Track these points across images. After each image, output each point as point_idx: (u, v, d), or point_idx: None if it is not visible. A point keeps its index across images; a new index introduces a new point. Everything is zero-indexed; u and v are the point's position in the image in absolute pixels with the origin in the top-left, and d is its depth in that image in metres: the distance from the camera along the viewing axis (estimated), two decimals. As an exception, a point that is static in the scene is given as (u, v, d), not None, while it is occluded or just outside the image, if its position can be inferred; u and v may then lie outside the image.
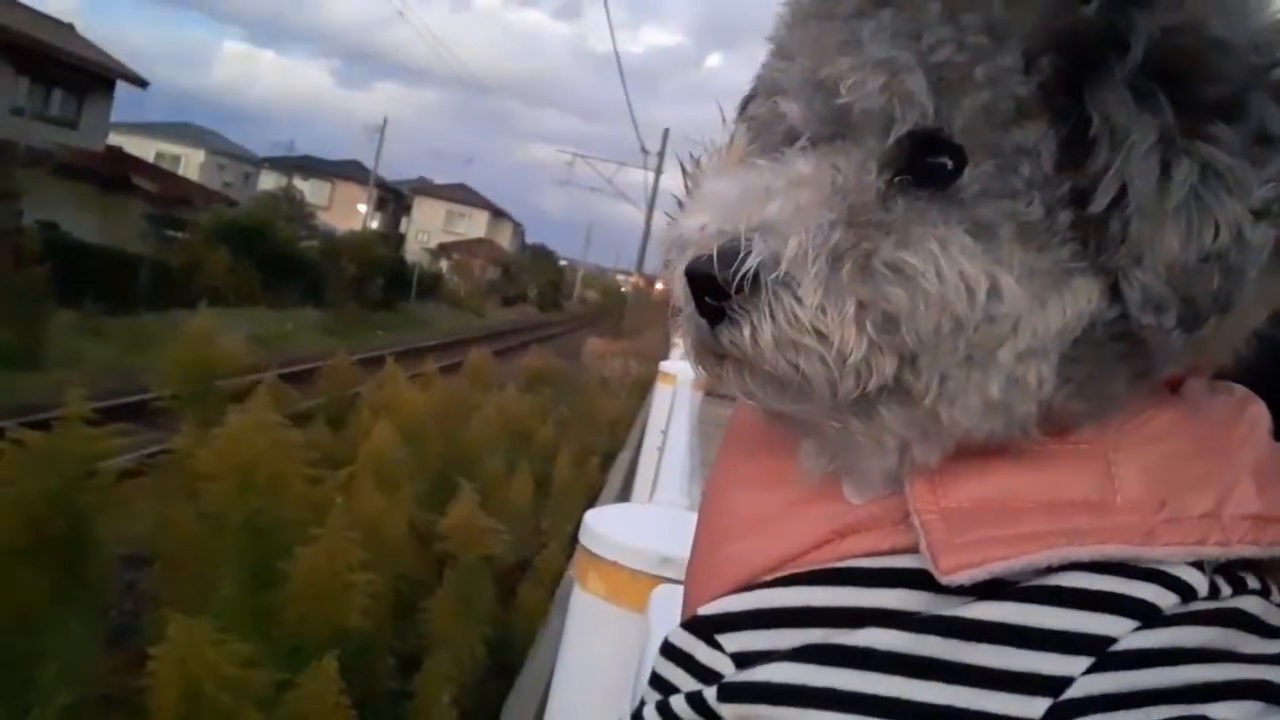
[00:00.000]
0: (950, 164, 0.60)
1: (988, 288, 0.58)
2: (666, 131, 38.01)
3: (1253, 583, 0.62)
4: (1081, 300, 0.59)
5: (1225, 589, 0.61)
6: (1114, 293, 0.59)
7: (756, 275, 0.59)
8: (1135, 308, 0.58)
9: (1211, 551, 0.60)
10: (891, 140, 0.61)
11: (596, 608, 1.64)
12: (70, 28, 30.47)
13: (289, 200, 41.34)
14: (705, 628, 0.69)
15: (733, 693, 0.65)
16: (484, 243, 66.23)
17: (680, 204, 0.74)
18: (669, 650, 0.72)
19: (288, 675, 4.33)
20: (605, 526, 1.65)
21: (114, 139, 33.22)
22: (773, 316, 0.59)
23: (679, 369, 5.20)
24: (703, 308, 0.62)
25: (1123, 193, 0.57)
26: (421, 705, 5.22)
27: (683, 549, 1.57)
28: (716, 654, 0.68)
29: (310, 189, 53.45)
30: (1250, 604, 0.61)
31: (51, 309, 15.23)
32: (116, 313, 18.58)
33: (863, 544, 0.65)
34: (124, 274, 20.85)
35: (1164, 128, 0.56)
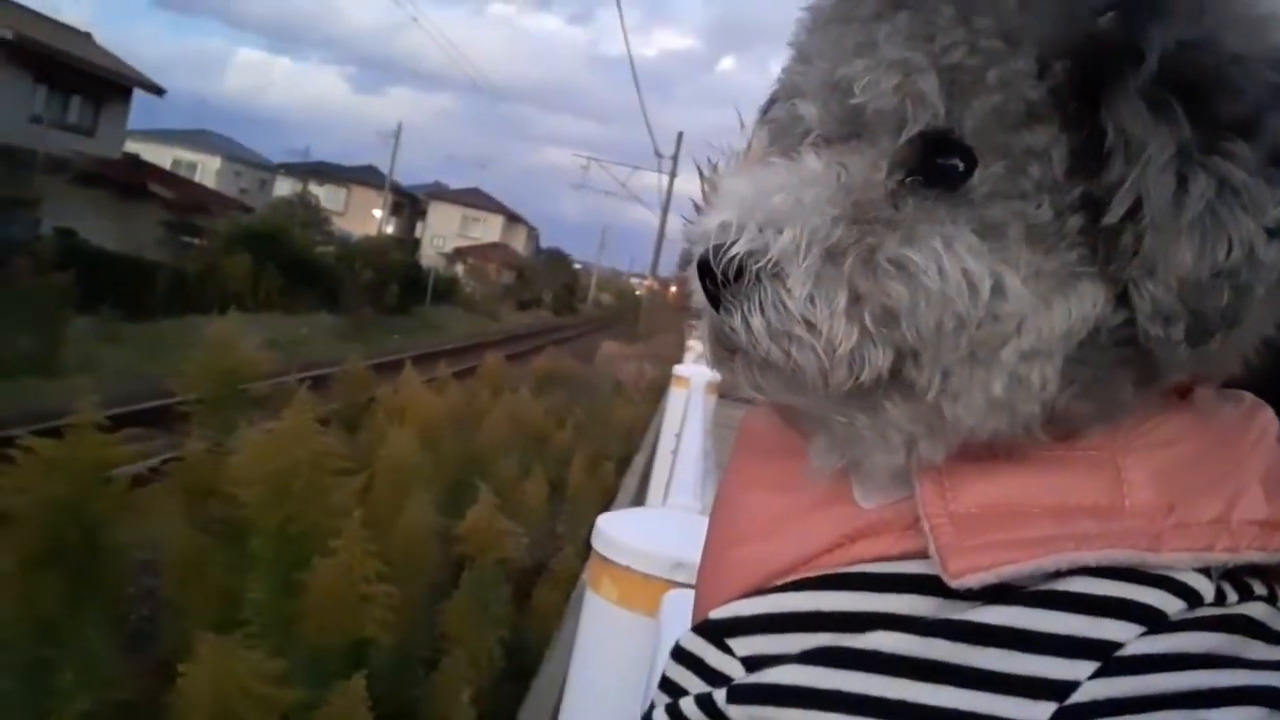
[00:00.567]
0: (961, 165, 0.61)
1: (992, 286, 0.59)
2: (680, 135, 38.08)
3: (1259, 589, 0.62)
4: (1087, 304, 0.59)
5: (1232, 595, 0.61)
6: (1120, 299, 0.59)
7: (745, 264, 0.61)
8: (1144, 318, 0.58)
9: (1219, 557, 0.60)
10: (903, 140, 0.62)
11: (609, 612, 1.63)
12: (88, 36, 30.72)
13: (305, 206, 41.55)
14: (716, 631, 0.69)
15: (742, 694, 0.65)
16: (499, 247, 66.39)
17: (698, 206, 0.75)
18: (679, 654, 0.72)
19: (312, 691, 4.32)
20: (618, 530, 1.64)
21: (131, 146, 33.45)
22: (761, 306, 0.61)
23: (693, 372, 5.21)
24: (707, 296, 0.64)
25: (1137, 204, 0.57)
26: (439, 707, 5.22)
27: (695, 553, 1.57)
28: (726, 657, 0.68)
29: (326, 195, 53.64)
30: (1257, 610, 0.61)
31: (69, 315, 15.35)
32: (134, 319, 18.70)
33: (872, 548, 0.65)
34: (141, 280, 21.00)
35: (1181, 142, 0.56)
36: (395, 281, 33.77)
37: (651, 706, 0.73)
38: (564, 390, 16.10)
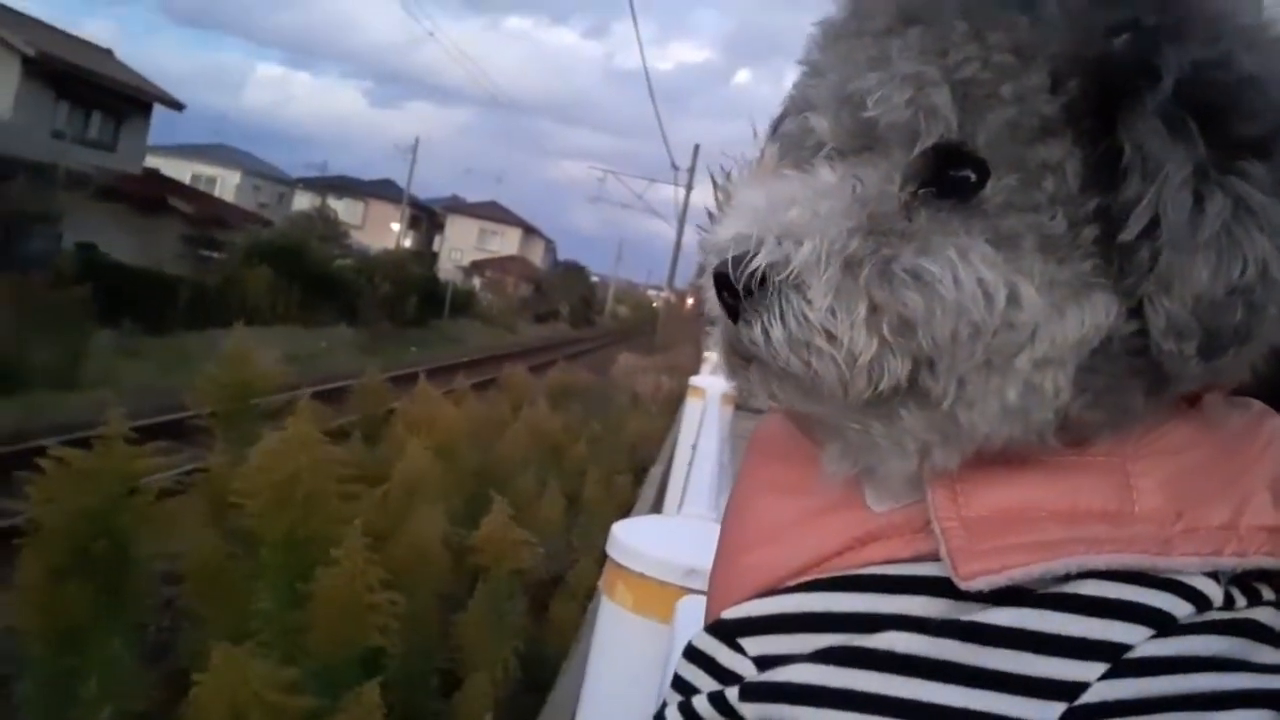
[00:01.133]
0: (973, 177, 0.62)
1: (1007, 295, 0.60)
2: (697, 148, 38.04)
3: (1267, 594, 0.63)
4: (1100, 314, 0.60)
5: (1240, 599, 0.62)
6: (1133, 310, 0.60)
7: (767, 276, 0.62)
8: (1158, 333, 0.59)
9: (1227, 562, 0.61)
10: (916, 153, 0.63)
11: (624, 618, 1.64)
12: (108, 53, 30.94)
13: (323, 220, 41.56)
14: (728, 631, 0.70)
15: (754, 693, 0.66)
16: (516, 260, 66.32)
17: (712, 216, 0.78)
18: (692, 653, 0.73)
19: (324, 699, 4.34)
20: (633, 538, 1.66)
21: (151, 161, 33.65)
22: (782, 317, 0.62)
23: (709, 384, 5.22)
24: (725, 307, 0.65)
25: (1153, 221, 0.58)
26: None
27: (709, 560, 1.59)
28: (738, 657, 0.69)
29: (344, 208, 53.68)
30: (1264, 615, 0.62)
31: (91, 329, 15.42)
32: (154, 332, 18.80)
33: (884, 551, 0.66)
34: (161, 294, 21.08)
35: (1197, 161, 0.57)
36: (413, 295, 33.72)
37: (663, 705, 0.74)
38: (581, 402, 16.07)
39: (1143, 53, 0.59)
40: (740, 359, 0.67)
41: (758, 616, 0.69)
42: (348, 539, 4.81)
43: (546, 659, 6.58)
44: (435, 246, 64.93)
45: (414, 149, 54.70)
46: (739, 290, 0.63)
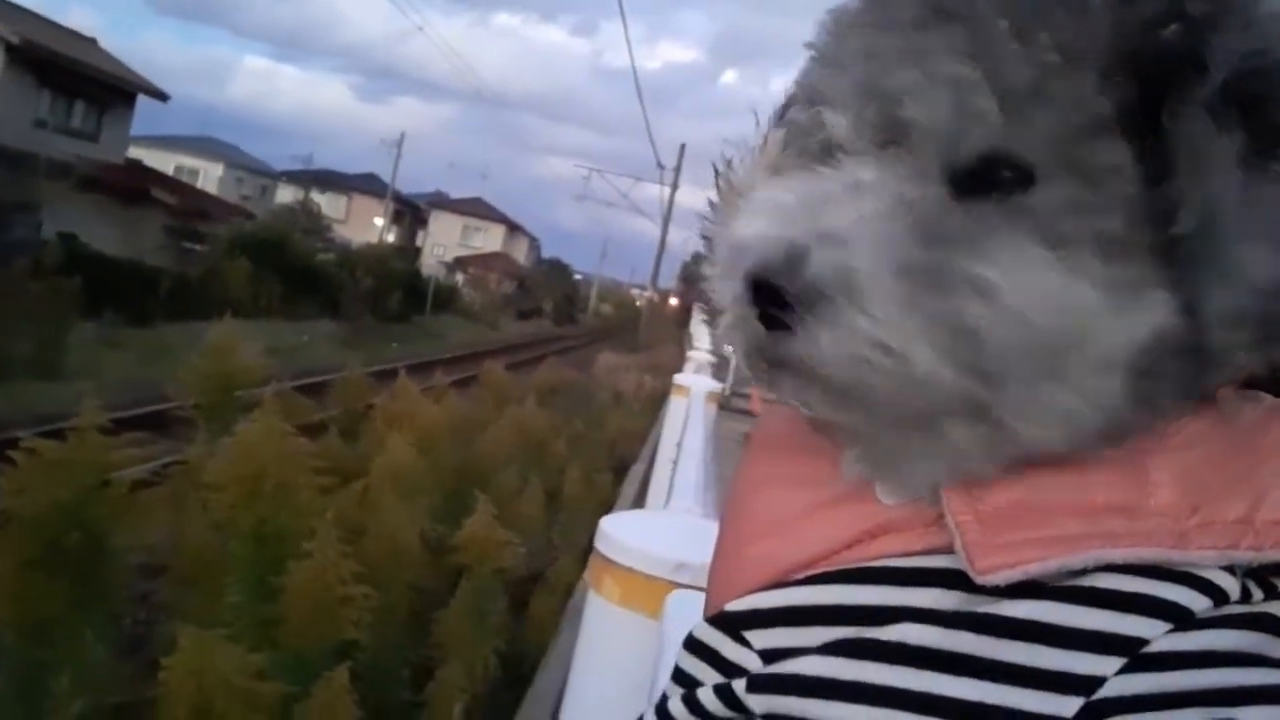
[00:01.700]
0: (1015, 176, 0.60)
1: (1064, 301, 0.58)
2: (683, 147, 38.16)
3: None
4: (1159, 313, 0.59)
5: (1257, 593, 0.60)
6: (1185, 307, 0.59)
7: (818, 283, 0.59)
8: (1214, 325, 0.58)
9: (1244, 555, 0.59)
10: (961, 157, 0.61)
11: (611, 612, 1.63)
12: (93, 42, 30.79)
13: (306, 213, 41.58)
14: (732, 623, 0.69)
15: (762, 684, 0.65)
16: (500, 256, 66.37)
17: (714, 206, 0.74)
18: (693, 645, 0.71)
19: (295, 687, 4.32)
20: (621, 531, 1.65)
21: (134, 152, 33.45)
22: (838, 329, 0.59)
23: (693, 382, 5.22)
24: (764, 316, 0.61)
25: (1204, 213, 0.57)
26: (434, 716, 5.22)
27: (698, 555, 1.59)
28: (743, 650, 0.67)
29: (327, 202, 53.73)
30: (1278, 608, 0.61)
31: (71, 320, 15.34)
32: (135, 324, 18.73)
33: (896, 544, 0.65)
34: (143, 286, 21.00)
35: (1247, 150, 0.56)
36: (396, 290, 33.77)
37: (664, 698, 0.72)
38: (563, 400, 16.09)
39: (1190, 44, 0.57)
40: (768, 363, 0.63)
41: (765, 609, 0.67)
42: (320, 532, 4.78)
43: (525, 655, 6.55)
44: (419, 242, 65.21)
45: (399, 143, 54.70)
46: (793, 300, 0.59)
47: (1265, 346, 0.59)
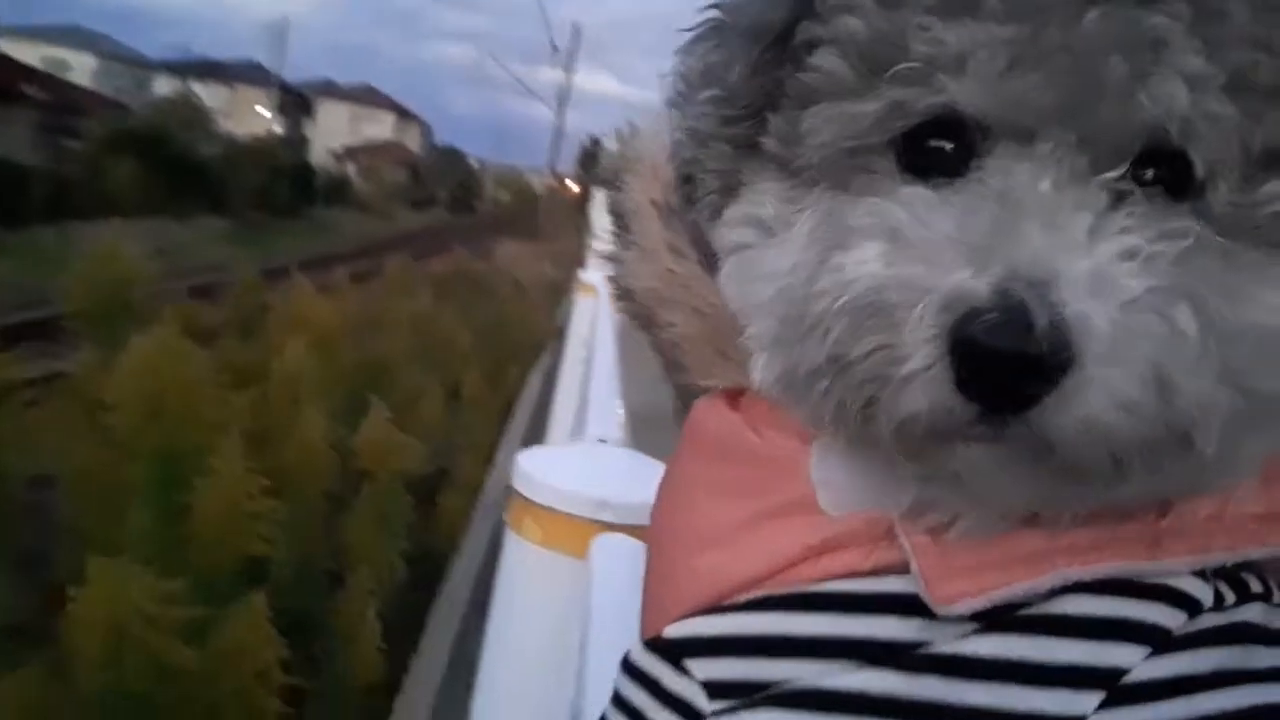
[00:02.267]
0: (1184, 177, 0.52)
1: None
2: (578, 28, 37.32)
3: (1255, 585, 0.58)
4: None
5: (1228, 594, 0.57)
6: None
7: (1067, 345, 0.47)
8: None
9: (1218, 558, 0.56)
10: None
11: (532, 554, 1.59)
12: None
13: (187, 106, 39.97)
14: (672, 650, 0.63)
15: None
16: (391, 145, 65.15)
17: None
18: (631, 670, 0.66)
19: (209, 610, 4.25)
20: (539, 470, 1.59)
21: (-4, 44, 31.67)
22: (1093, 394, 0.48)
23: (601, 280, 5.08)
24: (994, 392, 0.48)
25: None
26: (345, 622, 5.19)
27: (621, 492, 1.53)
28: (686, 680, 0.62)
29: (208, 93, 51.62)
30: (1255, 612, 0.58)
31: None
32: (7, 226, 17.87)
33: (841, 562, 0.59)
34: (15, 186, 20.00)
35: None
36: (285, 183, 32.87)
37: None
38: (464, 292, 15.88)
39: None
40: (973, 440, 0.51)
41: (707, 637, 0.62)
42: (224, 448, 4.65)
43: (434, 555, 6.56)
44: (306, 132, 63.23)
45: (282, 29, 52.66)
46: (1034, 366, 0.47)
47: None
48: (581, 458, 1.81)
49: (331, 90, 69.94)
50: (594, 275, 5.72)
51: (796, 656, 0.58)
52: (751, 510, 0.64)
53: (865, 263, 0.52)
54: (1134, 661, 0.54)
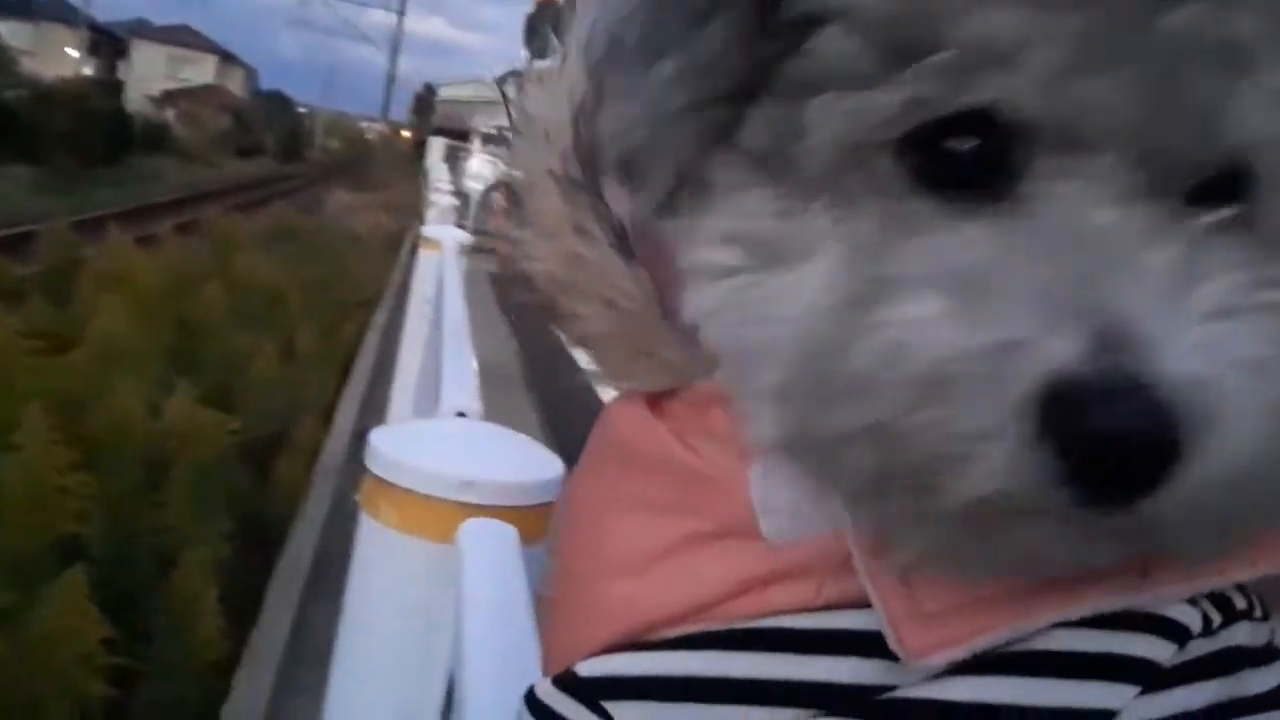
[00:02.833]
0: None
1: None
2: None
3: (1239, 601, 0.52)
4: None
5: (1215, 616, 0.51)
6: None
7: (1195, 424, 0.39)
8: None
9: (1209, 583, 0.50)
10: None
11: (390, 539, 1.49)
12: None
13: (-13, 44, 37.69)
14: (587, 691, 0.54)
15: None
16: (213, 90, 63.07)
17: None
18: (539, 710, 0.57)
19: (17, 593, 4.01)
20: (395, 448, 1.47)
21: None
22: (1217, 478, 0.40)
23: (443, 234, 4.90)
24: (1101, 480, 0.40)
25: None
26: (179, 600, 4.96)
27: (485, 470, 1.43)
28: None
29: (10, 31, 48.73)
30: (1242, 633, 0.52)
31: None
32: None
33: (790, 595, 0.51)
34: None
35: None
36: (98, 129, 31.29)
37: None
38: (295, 245, 15.41)
39: None
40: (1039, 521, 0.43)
41: (629, 677, 0.54)
42: (27, 422, 4.35)
43: (273, 520, 6.26)
44: (121, 75, 60.53)
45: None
46: (1153, 451, 0.39)
47: None
48: (441, 434, 1.71)
49: (146, 31, 67.88)
50: (436, 229, 5.52)
51: (738, 702, 0.51)
52: (677, 533, 0.55)
53: (926, 324, 0.41)
54: (1123, 703, 0.48)
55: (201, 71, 66.80)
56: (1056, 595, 0.47)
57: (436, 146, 27.43)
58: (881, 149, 0.45)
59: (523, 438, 1.67)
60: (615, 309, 0.61)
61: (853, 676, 0.49)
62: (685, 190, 0.51)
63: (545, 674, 0.58)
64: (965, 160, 0.44)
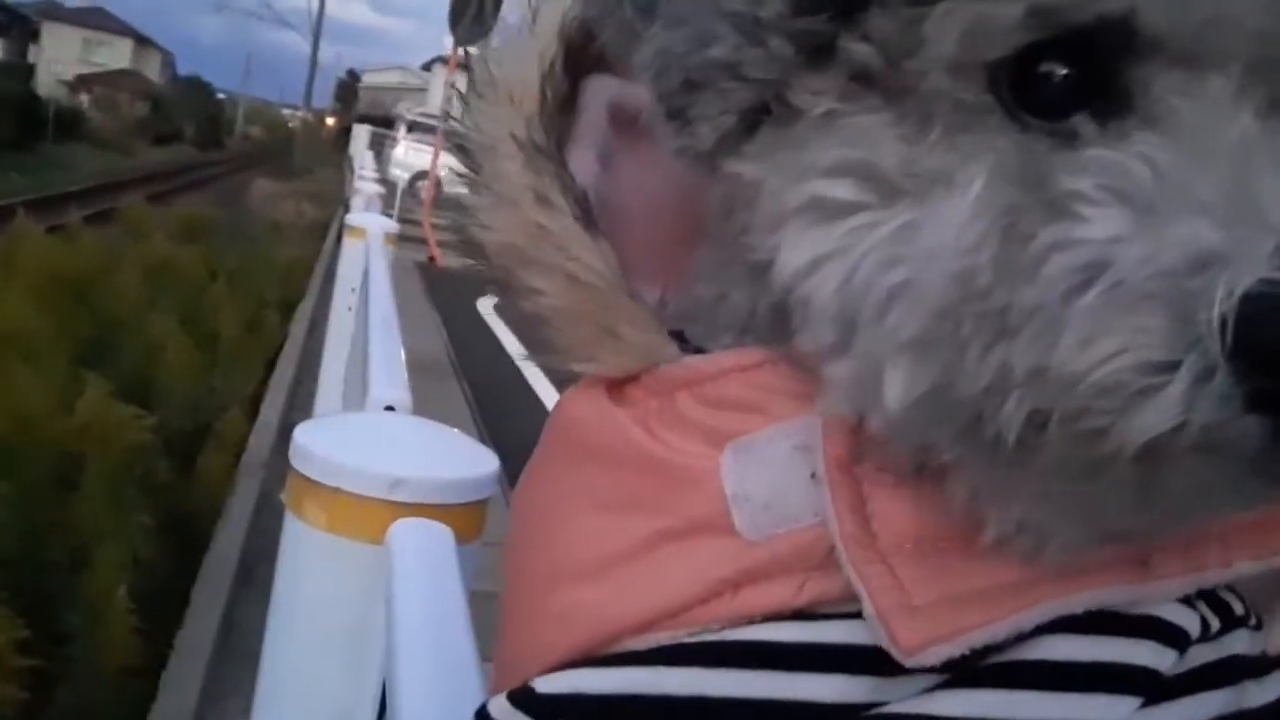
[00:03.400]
0: None
1: None
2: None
3: (1237, 606, 0.51)
4: None
5: (1213, 620, 0.50)
6: None
7: None
8: None
9: (1212, 576, 0.48)
10: None
11: (316, 540, 1.42)
12: None
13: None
14: (545, 709, 0.51)
15: None
16: (129, 74, 61.68)
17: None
18: None
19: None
20: (321, 445, 1.40)
21: None
22: None
23: (369, 222, 4.79)
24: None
25: None
26: (95, 601, 4.81)
27: (416, 467, 1.38)
28: None
29: (-88, 12, 47.33)
30: (1240, 641, 0.51)
31: None
32: None
33: (765, 599, 0.48)
34: None
35: None
36: (9, 114, 30.49)
37: None
38: (216, 234, 15.13)
39: None
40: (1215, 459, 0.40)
41: (591, 696, 0.50)
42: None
43: (197, 514, 6.13)
44: (31, 58, 58.95)
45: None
46: None
47: None
48: (368, 429, 1.64)
49: (58, 13, 66.24)
50: (361, 217, 5.41)
51: None
52: (642, 532, 0.52)
53: (1118, 242, 0.38)
54: (1124, 716, 0.47)
55: (116, 55, 65.57)
56: (1053, 586, 0.46)
57: (361, 134, 27.06)
58: (994, 69, 0.42)
59: (455, 432, 1.62)
60: (577, 283, 0.57)
61: (839, 695, 0.46)
62: (765, 120, 0.47)
63: (498, 688, 0.54)
64: (1068, 83, 0.42)
